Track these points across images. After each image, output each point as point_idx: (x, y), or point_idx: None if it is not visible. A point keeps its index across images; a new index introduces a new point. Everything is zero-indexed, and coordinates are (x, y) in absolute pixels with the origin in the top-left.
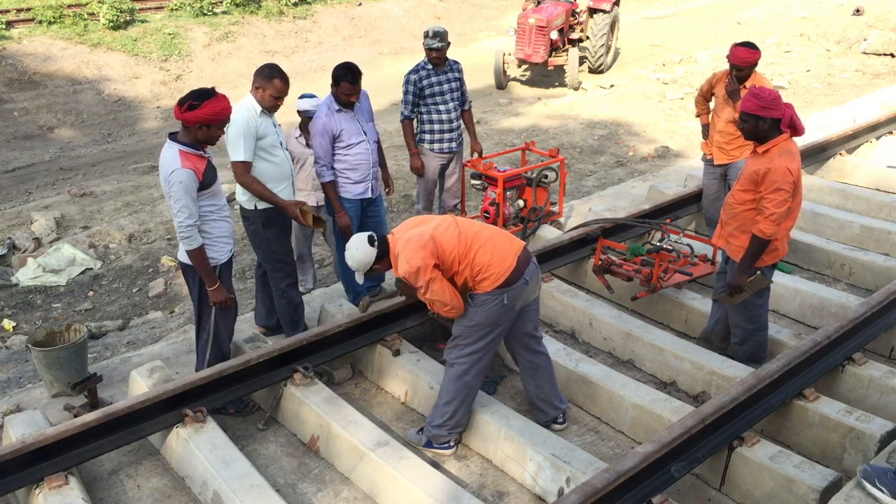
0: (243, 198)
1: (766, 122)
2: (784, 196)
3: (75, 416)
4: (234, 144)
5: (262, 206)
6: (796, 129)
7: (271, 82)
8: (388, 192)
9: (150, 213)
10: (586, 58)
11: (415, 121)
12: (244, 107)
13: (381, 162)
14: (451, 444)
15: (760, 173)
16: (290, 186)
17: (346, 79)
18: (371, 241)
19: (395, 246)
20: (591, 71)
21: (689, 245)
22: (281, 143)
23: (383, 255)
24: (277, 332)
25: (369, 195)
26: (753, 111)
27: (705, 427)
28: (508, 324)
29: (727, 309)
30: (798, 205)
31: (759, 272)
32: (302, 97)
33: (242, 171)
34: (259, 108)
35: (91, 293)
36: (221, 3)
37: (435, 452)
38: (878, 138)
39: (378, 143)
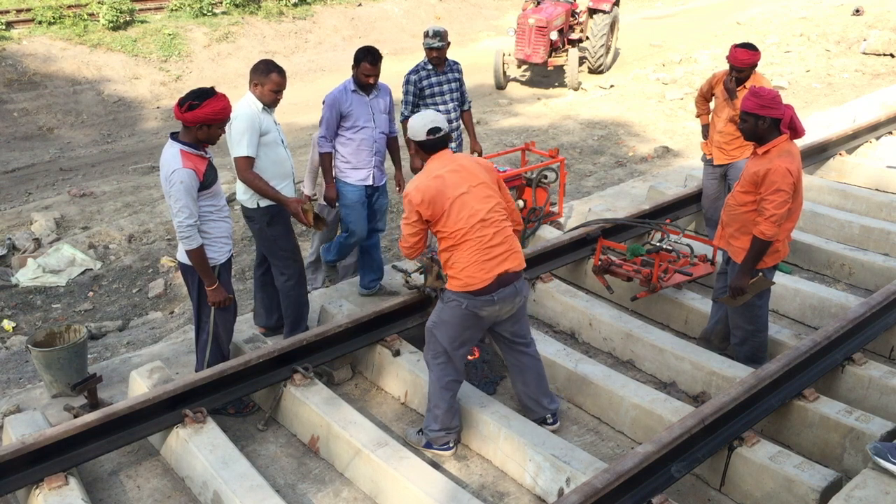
0: (245, 196)
1: (766, 121)
2: (784, 197)
3: (75, 417)
4: (238, 140)
5: (264, 203)
6: (796, 131)
7: (268, 77)
8: (398, 190)
9: (150, 214)
10: (586, 58)
11: None
12: (246, 103)
13: (395, 160)
14: (451, 444)
15: (760, 174)
16: (292, 184)
17: (367, 59)
18: (433, 132)
19: (436, 160)
20: (591, 71)
21: (688, 245)
22: (282, 141)
23: (423, 146)
24: (277, 332)
25: (370, 182)
26: (753, 110)
27: (705, 427)
28: (475, 333)
29: (728, 310)
30: (799, 206)
31: (760, 273)
32: None
33: (245, 166)
34: (260, 106)
35: (91, 294)
36: (221, 3)
37: (434, 453)
38: (878, 138)
39: (393, 138)
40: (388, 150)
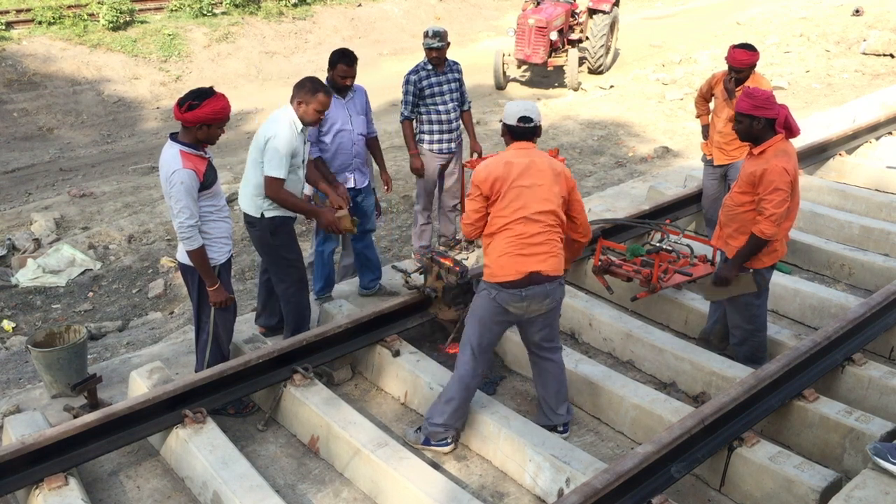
0: (248, 204)
1: (761, 122)
2: (783, 196)
3: (75, 417)
4: (275, 160)
5: (269, 213)
6: (791, 130)
7: (315, 97)
8: (386, 189)
9: (150, 214)
10: (586, 58)
11: (414, 121)
12: (288, 122)
13: (378, 160)
14: (449, 440)
15: (757, 174)
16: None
17: (343, 61)
18: (524, 120)
19: (514, 149)
20: (591, 71)
21: (688, 245)
22: (303, 162)
23: (511, 131)
24: (277, 332)
25: (351, 185)
26: (747, 111)
27: (705, 427)
28: (499, 328)
29: (726, 309)
30: (796, 205)
31: (751, 271)
32: None
33: (276, 186)
34: (300, 126)
35: (91, 294)
36: (221, 3)
37: (433, 450)
38: (877, 139)
39: (373, 138)
40: (370, 150)
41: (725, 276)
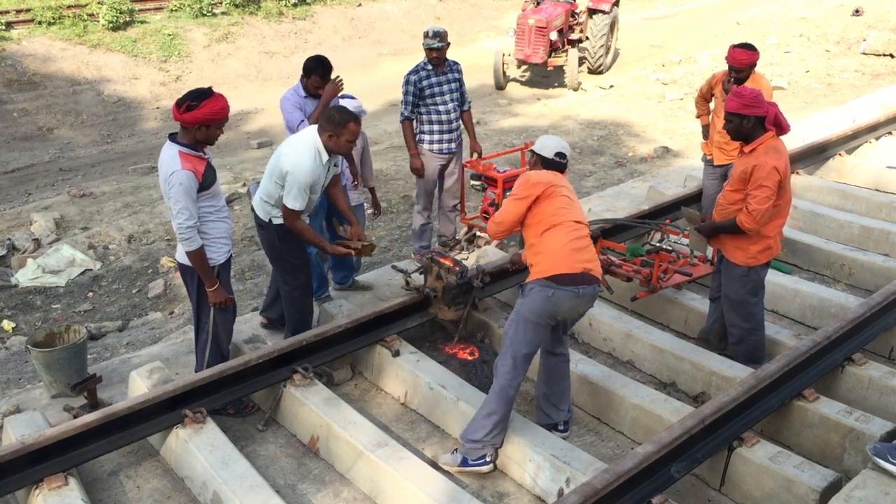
0: (259, 207)
1: (750, 120)
2: (767, 193)
3: (75, 417)
4: (295, 193)
5: (277, 221)
6: (781, 127)
7: (346, 127)
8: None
9: (150, 214)
10: (586, 58)
11: (414, 121)
12: (313, 153)
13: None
14: (488, 459)
15: (748, 171)
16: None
17: (317, 72)
18: (560, 156)
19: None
20: (591, 71)
21: (688, 245)
22: (323, 187)
23: (545, 163)
24: (279, 325)
25: None
26: (736, 110)
27: (705, 427)
28: (545, 333)
29: (723, 309)
30: (787, 203)
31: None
32: (342, 97)
33: (294, 217)
34: (325, 157)
35: (90, 294)
36: (221, 3)
37: (472, 471)
38: (877, 138)
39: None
40: None
41: (704, 230)
